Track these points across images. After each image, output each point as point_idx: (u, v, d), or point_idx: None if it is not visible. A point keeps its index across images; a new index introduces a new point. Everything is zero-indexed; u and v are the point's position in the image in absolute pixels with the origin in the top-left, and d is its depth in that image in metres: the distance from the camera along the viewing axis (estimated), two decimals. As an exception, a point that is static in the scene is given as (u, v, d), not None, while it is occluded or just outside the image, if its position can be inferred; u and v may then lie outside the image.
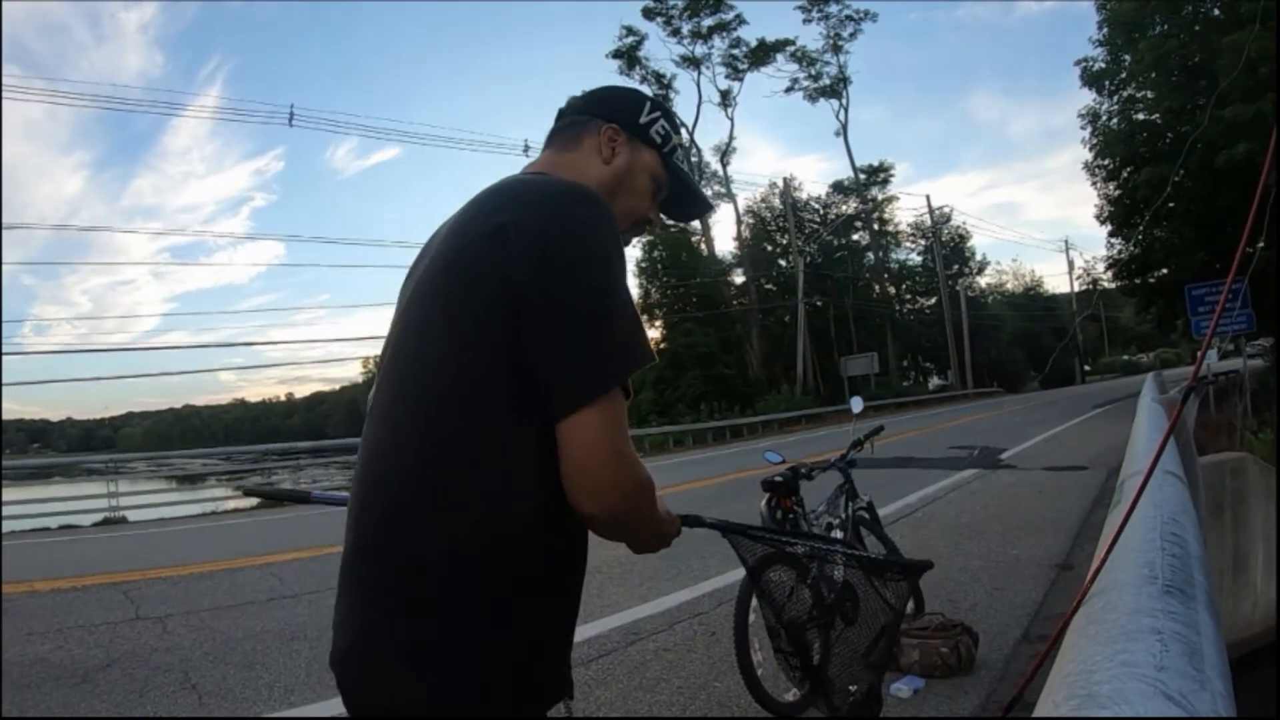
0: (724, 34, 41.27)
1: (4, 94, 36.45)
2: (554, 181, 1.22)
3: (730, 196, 44.19)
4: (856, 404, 5.18)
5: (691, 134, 42.16)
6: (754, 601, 3.11)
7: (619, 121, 1.37)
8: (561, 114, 1.43)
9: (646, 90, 1.46)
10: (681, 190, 1.46)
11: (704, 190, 1.51)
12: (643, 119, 1.39)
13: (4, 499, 13.98)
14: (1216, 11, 19.49)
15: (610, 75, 39.91)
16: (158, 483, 18.99)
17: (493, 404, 1.07)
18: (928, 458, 13.14)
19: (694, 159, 41.89)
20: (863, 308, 47.31)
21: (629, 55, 40.59)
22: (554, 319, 1.06)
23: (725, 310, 40.06)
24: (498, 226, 1.11)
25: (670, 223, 1.50)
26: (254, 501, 16.95)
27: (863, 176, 50.07)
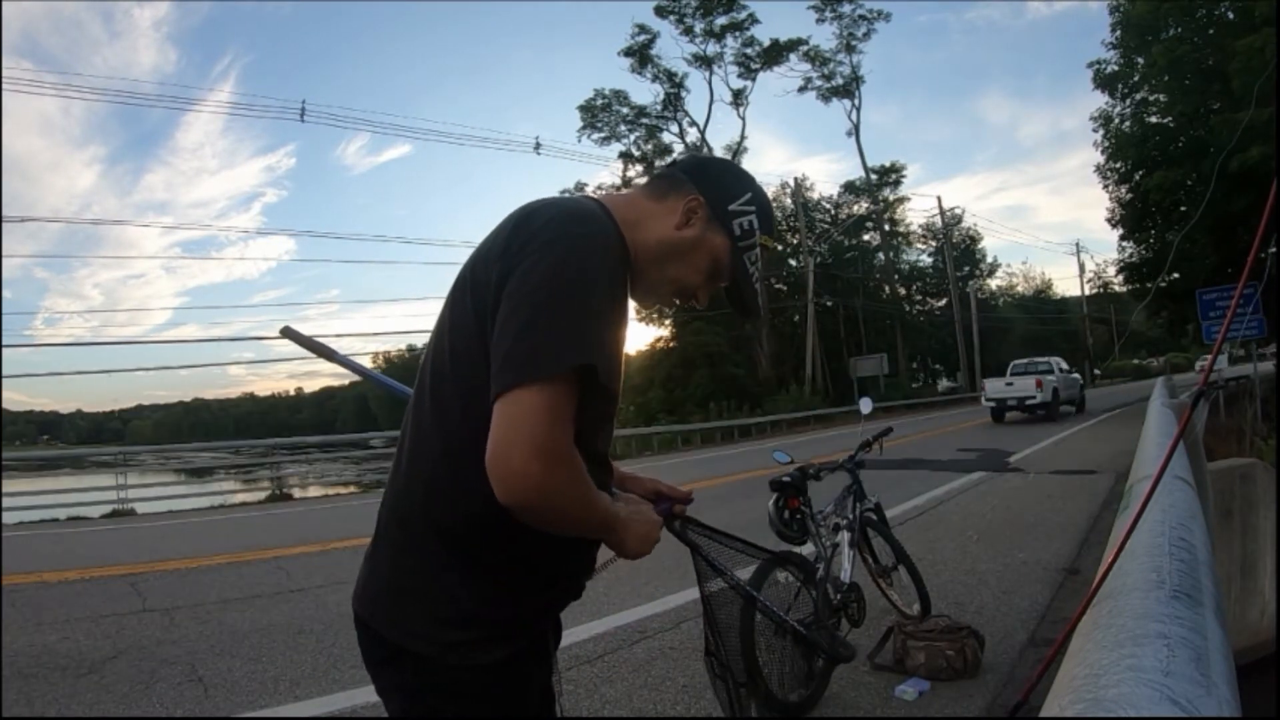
0: (736, 33, 41.16)
1: (16, 88, 36.75)
2: (567, 203, 1.27)
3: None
4: (865, 405, 5.18)
5: (703, 133, 42.15)
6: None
7: (707, 197, 1.37)
8: (670, 163, 1.47)
9: (741, 166, 1.45)
10: (737, 289, 1.45)
11: (758, 303, 1.51)
12: (733, 206, 1.39)
13: (14, 490, 14.08)
14: (1230, 15, 19.37)
15: (622, 73, 39.97)
16: (166, 475, 19.01)
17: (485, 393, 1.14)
18: (936, 460, 13.12)
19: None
20: (873, 308, 47.22)
21: (641, 53, 40.54)
22: (507, 310, 1.13)
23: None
24: (506, 237, 1.21)
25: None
26: (263, 495, 17.05)
27: (874, 177, 49.93)
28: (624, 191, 1.43)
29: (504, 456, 1.07)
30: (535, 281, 1.12)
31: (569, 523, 1.17)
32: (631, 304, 1.42)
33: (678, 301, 1.46)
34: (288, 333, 1.65)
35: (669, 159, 41.79)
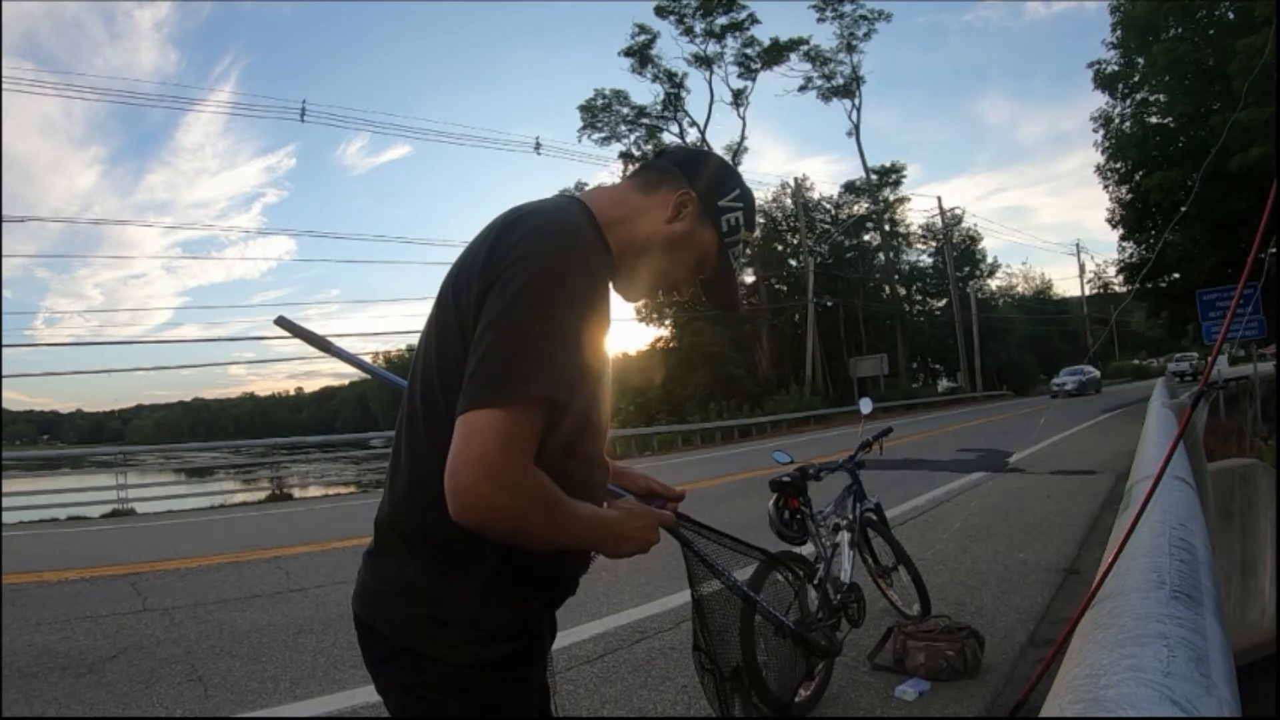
0: (736, 33, 41.14)
1: (16, 88, 36.77)
2: (546, 213, 1.25)
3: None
4: (865, 405, 5.17)
5: (703, 133, 42.12)
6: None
7: (698, 192, 1.38)
8: (659, 154, 1.46)
9: (724, 155, 1.46)
10: (720, 283, 1.46)
11: (738, 297, 1.53)
12: (722, 201, 1.40)
13: (14, 490, 14.08)
14: (1230, 15, 19.38)
15: (622, 74, 39.97)
16: (166, 475, 18.96)
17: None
18: (936, 460, 13.11)
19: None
20: (873, 309, 47.19)
21: (641, 54, 40.52)
22: (480, 329, 1.13)
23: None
24: (486, 251, 1.19)
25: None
26: (263, 494, 17.06)
27: (874, 177, 49.89)
28: (612, 185, 1.43)
29: (455, 475, 1.07)
30: (506, 302, 1.12)
31: (532, 541, 1.16)
32: (626, 304, 1.43)
33: (660, 294, 1.46)
34: (282, 322, 1.63)
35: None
